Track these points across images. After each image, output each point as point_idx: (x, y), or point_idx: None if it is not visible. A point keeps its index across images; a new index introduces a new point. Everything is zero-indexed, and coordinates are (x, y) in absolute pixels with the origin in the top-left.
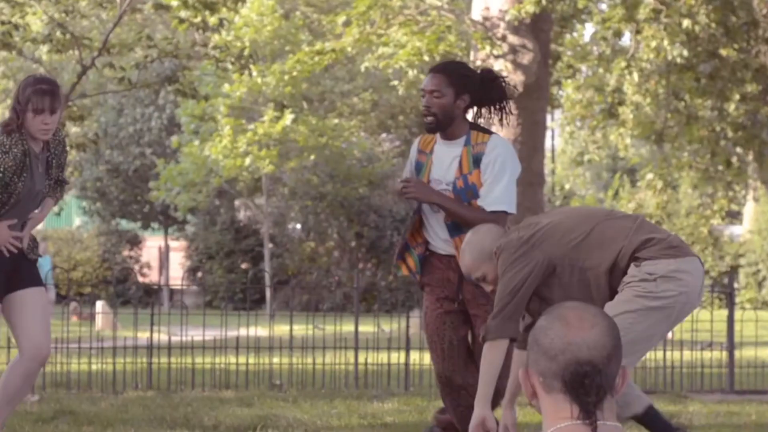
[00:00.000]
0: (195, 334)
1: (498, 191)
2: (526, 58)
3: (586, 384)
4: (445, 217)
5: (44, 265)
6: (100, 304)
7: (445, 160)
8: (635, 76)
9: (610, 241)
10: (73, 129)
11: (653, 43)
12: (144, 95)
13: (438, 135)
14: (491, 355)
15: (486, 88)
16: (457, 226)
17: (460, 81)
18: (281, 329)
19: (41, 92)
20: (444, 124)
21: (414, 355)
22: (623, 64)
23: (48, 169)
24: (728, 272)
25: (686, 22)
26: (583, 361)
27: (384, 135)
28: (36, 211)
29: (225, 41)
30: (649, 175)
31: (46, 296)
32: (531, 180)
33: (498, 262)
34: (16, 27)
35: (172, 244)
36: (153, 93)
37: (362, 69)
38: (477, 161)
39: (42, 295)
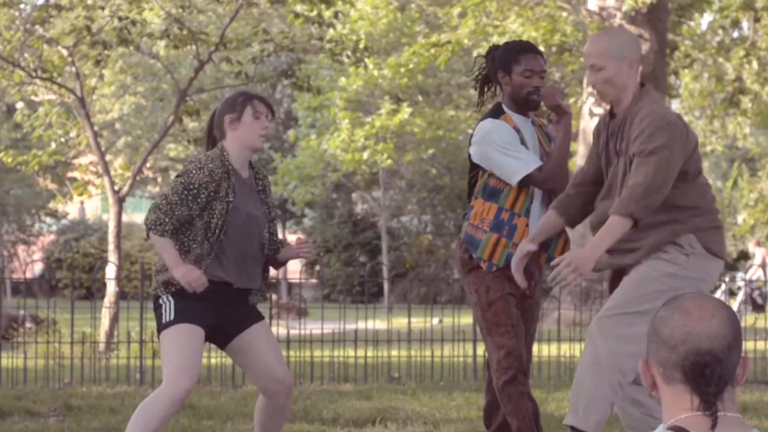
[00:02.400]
0: (313, 328)
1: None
2: (643, 48)
3: (707, 374)
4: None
5: None
6: None
7: (529, 136)
8: (755, 64)
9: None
10: (190, 124)
11: None
12: (261, 89)
13: (511, 111)
14: (616, 228)
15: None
16: None
17: None
18: (399, 322)
19: (259, 99)
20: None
21: (533, 347)
22: (742, 52)
23: (263, 198)
24: None
25: None
26: (704, 352)
27: None
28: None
29: (340, 34)
30: None
31: (268, 326)
32: None
33: (643, 124)
34: (134, 23)
35: (290, 237)
36: (270, 87)
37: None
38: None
39: (265, 326)
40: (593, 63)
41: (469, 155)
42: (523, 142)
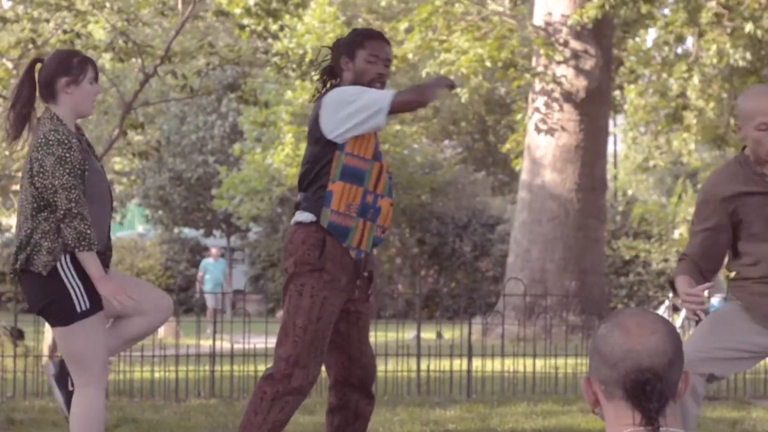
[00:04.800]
0: (257, 342)
1: None
2: (588, 64)
3: (648, 391)
4: None
5: (217, 268)
6: None
7: None
8: (696, 79)
9: None
10: (136, 137)
11: (715, 47)
12: (206, 103)
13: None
14: None
15: None
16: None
17: None
18: None
19: (92, 61)
20: None
21: (476, 362)
22: (684, 67)
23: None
24: None
25: (749, 26)
26: (644, 369)
27: (446, 141)
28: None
29: (287, 48)
30: None
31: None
32: (593, 186)
33: None
34: (79, 35)
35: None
36: (215, 101)
37: (424, 75)
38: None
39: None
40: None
41: (316, 139)
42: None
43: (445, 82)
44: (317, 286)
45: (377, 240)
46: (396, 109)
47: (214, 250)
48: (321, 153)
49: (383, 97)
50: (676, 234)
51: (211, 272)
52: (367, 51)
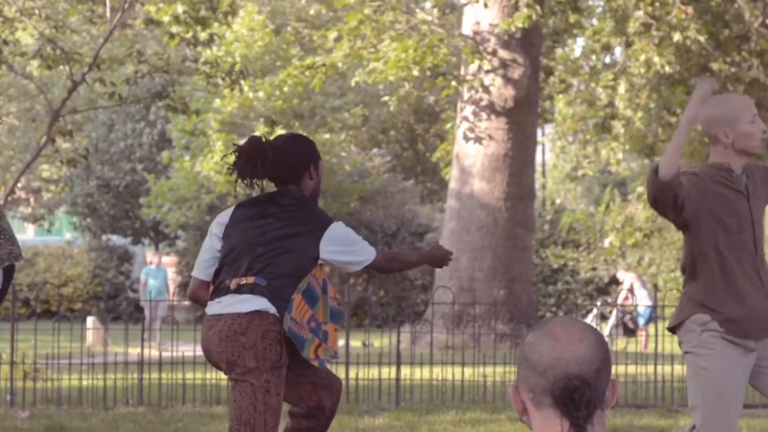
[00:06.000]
0: (186, 350)
1: None
2: (516, 73)
3: (576, 399)
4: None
5: (159, 276)
6: (90, 320)
7: None
8: (622, 88)
9: None
10: (64, 144)
11: (643, 57)
12: (135, 110)
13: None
14: None
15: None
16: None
17: None
18: None
19: None
20: None
21: (405, 370)
22: (611, 76)
23: None
24: None
25: (677, 36)
26: (573, 376)
27: (375, 150)
28: None
29: (216, 56)
30: (640, 188)
31: None
32: (522, 194)
33: None
34: (6, 42)
35: (164, 259)
36: (144, 108)
37: (353, 83)
38: None
39: None
40: None
41: (305, 251)
42: None
43: (438, 253)
44: (280, 384)
45: (322, 363)
46: (376, 267)
47: (156, 258)
48: (303, 264)
49: (372, 251)
50: (606, 243)
51: (153, 279)
52: (319, 166)
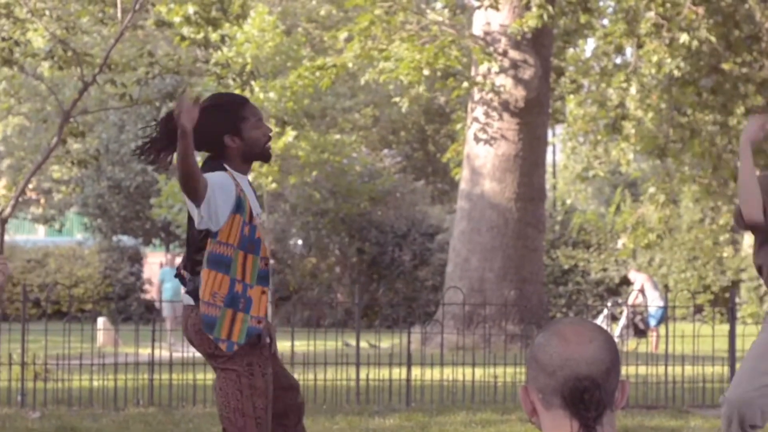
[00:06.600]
0: (196, 351)
1: None
2: (527, 73)
3: (586, 399)
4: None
5: (167, 277)
6: (101, 321)
7: (250, 192)
8: (633, 89)
9: None
10: (74, 145)
11: (654, 58)
12: (146, 111)
13: (234, 167)
14: None
15: None
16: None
17: None
18: (283, 345)
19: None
20: None
21: (415, 371)
22: (622, 77)
23: None
24: (729, 287)
25: (685, 37)
26: (582, 377)
27: (385, 151)
28: None
29: (226, 57)
30: (651, 189)
31: None
32: (532, 195)
33: None
34: (18, 43)
35: (177, 260)
36: (155, 109)
37: (362, 82)
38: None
39: None
40: None
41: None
42: (241, 203)
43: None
44: (265, 364)
45: (252, 330)
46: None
47: (170, 259)
48: (194, 235)
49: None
50: (619, 244)
51: (170, 280)
52: (250, 119)
